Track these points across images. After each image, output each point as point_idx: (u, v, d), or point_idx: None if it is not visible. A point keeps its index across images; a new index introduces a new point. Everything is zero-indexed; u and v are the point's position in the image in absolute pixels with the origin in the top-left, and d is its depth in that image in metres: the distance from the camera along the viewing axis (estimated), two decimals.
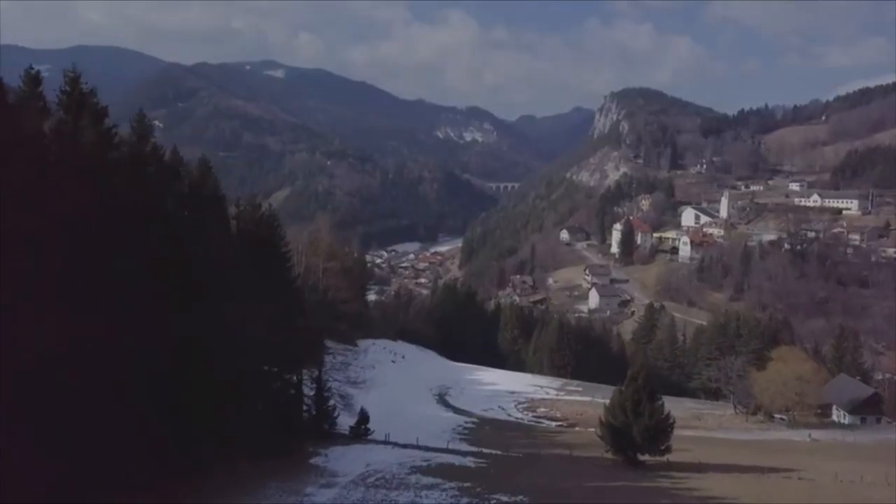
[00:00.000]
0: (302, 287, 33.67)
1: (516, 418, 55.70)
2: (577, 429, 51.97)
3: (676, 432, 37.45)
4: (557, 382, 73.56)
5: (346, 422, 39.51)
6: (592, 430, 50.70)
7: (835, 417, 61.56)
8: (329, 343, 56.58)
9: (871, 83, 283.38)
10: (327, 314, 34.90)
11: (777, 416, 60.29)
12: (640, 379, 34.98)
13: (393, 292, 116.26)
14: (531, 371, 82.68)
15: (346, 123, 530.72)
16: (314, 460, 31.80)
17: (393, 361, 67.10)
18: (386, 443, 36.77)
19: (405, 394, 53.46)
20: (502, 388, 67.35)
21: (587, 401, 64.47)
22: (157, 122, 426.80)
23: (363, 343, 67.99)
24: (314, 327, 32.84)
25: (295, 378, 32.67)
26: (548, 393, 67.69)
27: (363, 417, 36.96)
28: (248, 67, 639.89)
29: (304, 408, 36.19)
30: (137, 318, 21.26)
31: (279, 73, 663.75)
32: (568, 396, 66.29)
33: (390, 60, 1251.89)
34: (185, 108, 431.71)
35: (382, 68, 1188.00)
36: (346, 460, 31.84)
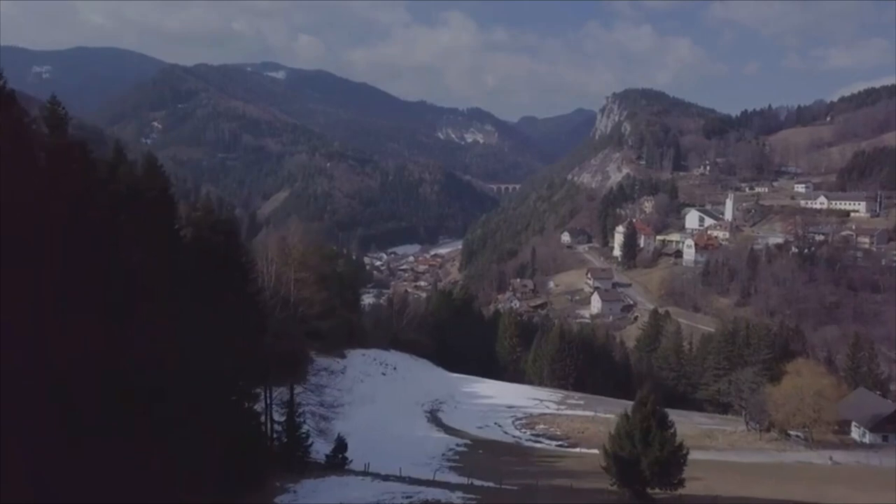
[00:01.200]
0: (270, 301, 29.95)
1: (514, 437, 51.84)
2: (578, 450, 48.13)
3: None
4: (558, 395, 69.67)
5: (325, 447, 35.75)
6: (595, 451, 47.10)
7: (854, 435, 57.59)
8: (314, 355, 52.96)
9: (876, 83, 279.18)
10: (298, 331, 31.13)
11: (793, 433, 56.37)
12: (650, 404, 31.14)
13: (389, 298, 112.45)
14: (531, 382, 78.85)
15: (348, 125, 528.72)
16: (281, 498, 28.04)
17: (383, 374, 63.29)
18: (365, 474, 32.97)
19: (393, 411, 49.64)
20: (500, 401, 63.50)
21: (589, 416, 60.63)
22: (155, 124, 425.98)
23: (352, 354, 64.19)
24: (282, 346, 29.11)
25: (262, 403, 28.97)
26: (548, 407, 63.82)
27: (340, 444, 33.17)
28: (249, 69, 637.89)
29: (275, 434, 32.49)
30: (50, 335, 17.68)
31: (280, 75, 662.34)
32: (569, 411, 62.41)
33: (391, 62, 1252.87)
34: (185, 109, 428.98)
35: (384, 70, 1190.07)
36: (318, 498, 28.06)
